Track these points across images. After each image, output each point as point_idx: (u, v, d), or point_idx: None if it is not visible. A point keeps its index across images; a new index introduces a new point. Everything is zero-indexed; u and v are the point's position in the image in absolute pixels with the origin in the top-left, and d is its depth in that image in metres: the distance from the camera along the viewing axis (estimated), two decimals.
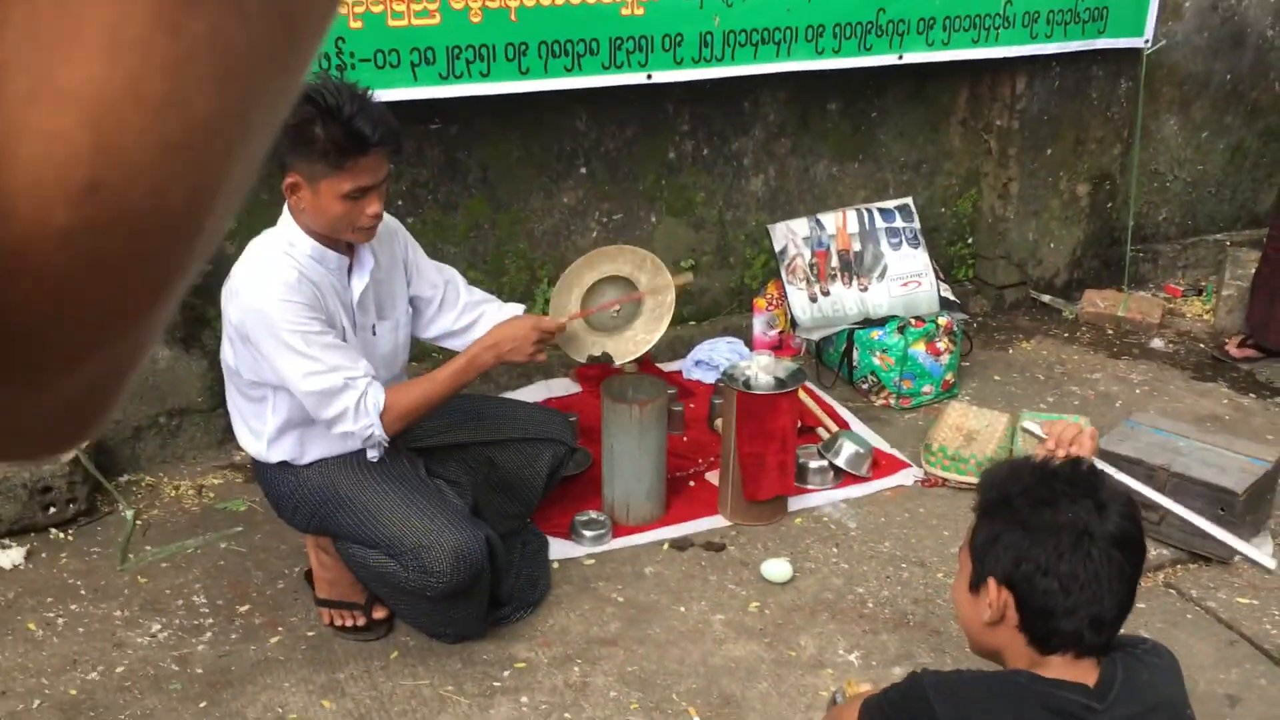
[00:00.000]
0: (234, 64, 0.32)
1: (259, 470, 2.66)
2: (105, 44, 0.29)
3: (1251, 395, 4.00)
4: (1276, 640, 2.68)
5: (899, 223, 4.00)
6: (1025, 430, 1.87)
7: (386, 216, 2.52)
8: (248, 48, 0.32)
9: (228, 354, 2.51)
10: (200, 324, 3.45)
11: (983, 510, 1.54)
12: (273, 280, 2.33)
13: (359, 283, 2.50)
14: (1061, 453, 1.72)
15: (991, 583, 1.49)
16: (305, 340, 2.33)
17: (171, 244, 0.33)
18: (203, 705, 2.44)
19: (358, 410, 2.42)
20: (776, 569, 2.87)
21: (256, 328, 2.34)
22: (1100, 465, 1.76)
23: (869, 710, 1.55)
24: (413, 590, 2.47)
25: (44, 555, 2.98)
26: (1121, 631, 1.52)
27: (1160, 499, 1.88)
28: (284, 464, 2.57)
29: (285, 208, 2.41)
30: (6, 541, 2.99)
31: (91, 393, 0.37)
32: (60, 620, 2.72)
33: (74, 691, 2.48)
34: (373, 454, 2.56)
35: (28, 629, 2.68)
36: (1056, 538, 1.42)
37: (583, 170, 3.91)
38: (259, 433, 2.56)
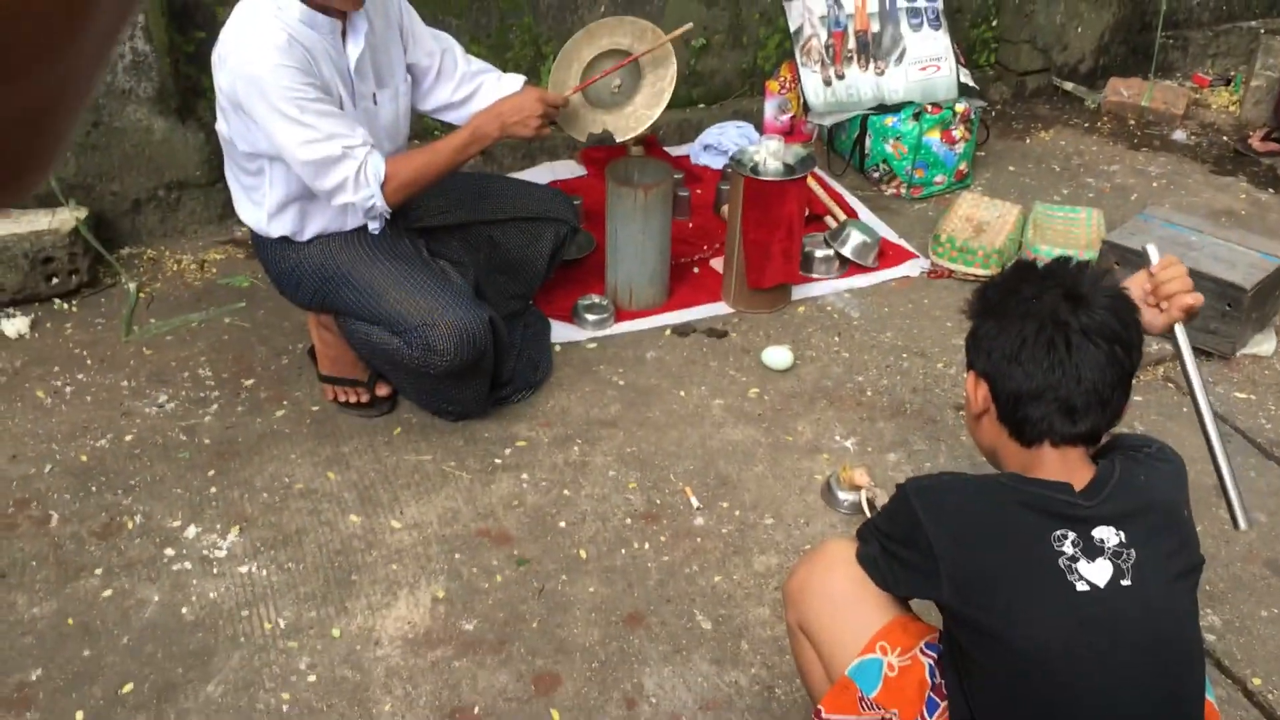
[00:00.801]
0: None
1: (260, 246, 2.63)
2: None
3: (1270, 190, 3.92)
4: (1269, 434, 2.71)
5: (921, 2, 3.81)
6: (1144, 250, 1.72)
7: None
8: None
9: (222, 125, 2.43)
10: (195, 94, 3.36)
11: (969, 310, 1.56)
12: (262, 43, 2.23)
13: (354, 48, 2.39)
14: (1152, 300, 1.66)
15: (971, 375, 1.53)
16: (300, 107, 2.26)
17: None
18: (211, 474, 2.49)
19: (358, 180, 2.36)
20: (777, 356, 2.88)
21: (248, 94, 2.26)
22: (1180, 333, 1.66)
23: (864, 531, 1.59)
24: (416, 368, 2.48)
25: (49, 325, 2.99)
26: (1121, 427, 1.53)
27: (1200, 393, 1.71)
28: (285, 239, 2.53)
29: None
30: (11, 311, 3.00)
31: (20, 130, 0.35)
32: (68, 389, 2.75)
33: (84, 457, 2.53)
34: (374, 226, 2.52)
35: (36, 396, 2.72)
36: (1021, 325, 1.44)
37: None
38: (259, 203, 2.51)
